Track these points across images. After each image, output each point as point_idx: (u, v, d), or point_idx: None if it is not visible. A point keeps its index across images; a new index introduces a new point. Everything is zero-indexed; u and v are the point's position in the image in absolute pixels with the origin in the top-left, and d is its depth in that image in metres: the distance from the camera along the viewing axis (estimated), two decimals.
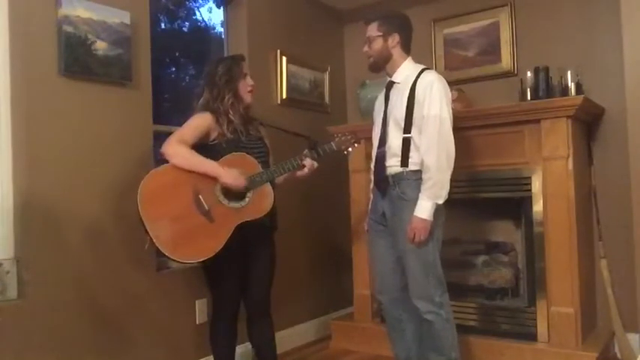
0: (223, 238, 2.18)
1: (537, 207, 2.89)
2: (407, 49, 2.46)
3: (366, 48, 2.47)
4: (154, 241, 2.13)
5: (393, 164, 2.38)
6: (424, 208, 2.25)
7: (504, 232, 3.34)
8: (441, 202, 2.28)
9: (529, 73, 3.17)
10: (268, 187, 2.31)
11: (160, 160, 2.37)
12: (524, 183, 2.92)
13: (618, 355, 3.02)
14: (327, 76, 3.95)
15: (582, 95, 2.85)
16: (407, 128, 2.33)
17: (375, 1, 3.90)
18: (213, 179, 2.22)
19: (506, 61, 3.45)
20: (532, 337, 2.88)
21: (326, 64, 3.94)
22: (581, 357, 2.71)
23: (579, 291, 2.79)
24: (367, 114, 3.53)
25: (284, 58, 3.54)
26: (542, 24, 3.34)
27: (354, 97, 3.94)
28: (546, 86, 3.10)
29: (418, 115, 2.30)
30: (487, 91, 3.44)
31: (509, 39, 3.43)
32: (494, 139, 2.99)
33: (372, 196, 2.62)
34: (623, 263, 2.98)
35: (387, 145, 2.42)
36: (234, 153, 2.28)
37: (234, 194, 2.25)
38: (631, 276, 2.78)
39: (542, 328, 2.86)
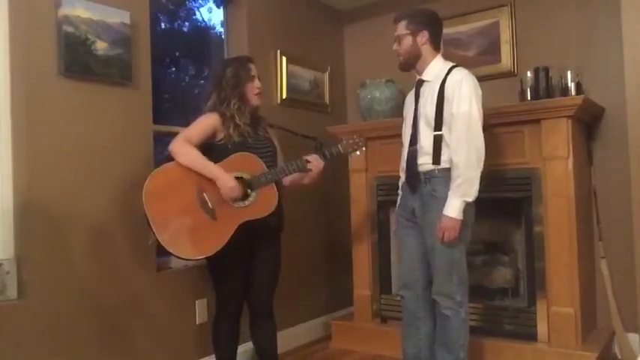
0: (226, 237, 2.19)
1: (537, 207, 2.89)
2: (436, 45, 2.43)
3: (395, 46, 2.44)
4: (157, 237, 2.14)
5: (424, 162, 2.37)
6: (453, 207, 2.24)
7: (504, 232, 3.34)
8: (470, 200, 2.26)
9: (529, 73, 3.16)
10: (272, 188, 2.31)
11: (161, 159, 2.38)
12: (524, 183, 2.92)
13: (618, 355, 3.02)
14: (327, 76, 3.95)
15: (582, 95, 2.86)
16: (437, 126, 2.32)
17: (375, 1, 3.90)
18: None
19: (506, 61, 3.45)
20: (532, 337, 2.88)
21: (326, 64, 3.94)
22: (581, 357, 2.71)
23: (579, 291, 2.78)
24: (367, 114, 3.54)
25: (284, 58, 3.54)
26: (542, 24, 3.33)
27: (354, 97, 3.93)
28: (546, 86, 3.10)
29: (448, 114, 2.29)
30: (487, 91, 3.40)
31: (509, 39, 3.43)
32: (494, 139, 2.99)
33: (400, 192, 2.60)
34: (623, 263, 2.98)
35: (418, 144, 2.40)
36: (239, 153, 2.30)
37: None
38: (631, 276, 2.77)
39: (542, 328, 2.86)
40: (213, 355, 2.50)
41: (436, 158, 2.32)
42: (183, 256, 2.22)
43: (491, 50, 3.50)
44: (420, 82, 2.45)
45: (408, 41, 2.39)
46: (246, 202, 2.26)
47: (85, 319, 2.33)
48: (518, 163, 2.94)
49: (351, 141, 2.47)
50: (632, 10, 2.67)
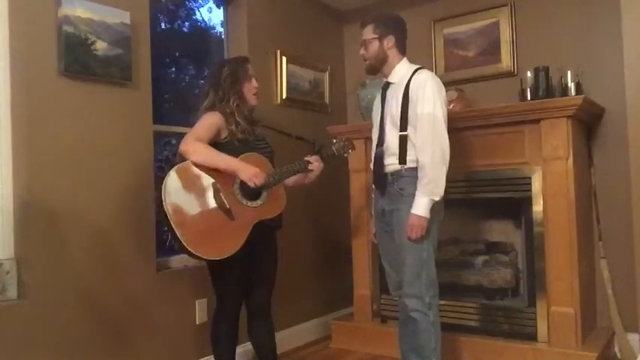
0: (243, 237, 2.19)
1: (537, 207, 2.89)
2: (402, 50, 2.48)
3: (362, 51, 2.49)
4: (180, 238, 2.11)
5: (391, 162, 2.41)
6: (420, 205, 2.28)
7: (504, 232, 3.34)
8: (437, 198, 2.29)
9: (529, 73, 3.16)
10: (281, 187, 2.35)
11: (161, 159, 2.37)
12: (524, 183, 2.92)
13: (618, 355, 3.02)
14: (327, 76, 3.95)
15: (582, 95, 2.85)
16: (403, 127, 2.36)
17: (375, 1, 3.90)
18: (231, 177, 2.23)
19: (506, 61, 3.45)
20: (532, 337, 2.88)
21: (326, 64, 3.94)
22: (581, 357, 2.71)
23: (579, 291, 2.78)
24: (367, 114, 3.53)
25: (284, 58, 3.54)
26: (542, 24, 3.33)
27: (354, 97, 3.93)
28: (546, 86, 3.10)
29: (412, 114, 2.33)
30: (487, 91, 3.44)
31: (509, 39, 3.43)
32: (494, 139, 2.99)
33: (374, 196, 2.63)
34: (623, 263, 2.98)
35: (385, 145, 2.45)
36: (248, 153, 2.30)
37: (248, 193, 2.26)
38: (631, 276, 2.78)
39: (542, 328, 2.86)
40: (213, 356, 2.49)
41: (402, 158, 2.37)
42: (206, 257, 2.19)
43: (491, 50, 3.50)
44: (387, 85, 2.51)
45: (374, 46, 2.44)
46: (259, 202, 2.27)
47: (85, 319, 2.33)
48: (518, 163, 2.95)
49: (341, 143, 2.54)
50: (632, 10, 2.68)
